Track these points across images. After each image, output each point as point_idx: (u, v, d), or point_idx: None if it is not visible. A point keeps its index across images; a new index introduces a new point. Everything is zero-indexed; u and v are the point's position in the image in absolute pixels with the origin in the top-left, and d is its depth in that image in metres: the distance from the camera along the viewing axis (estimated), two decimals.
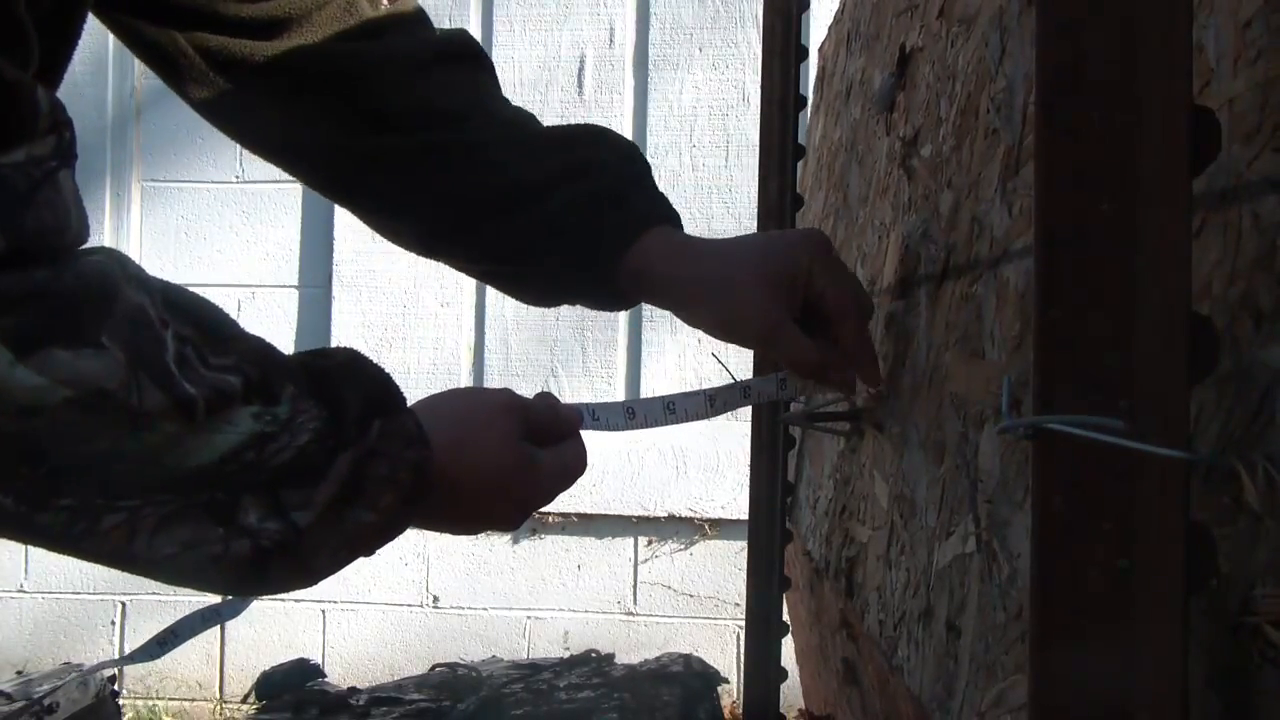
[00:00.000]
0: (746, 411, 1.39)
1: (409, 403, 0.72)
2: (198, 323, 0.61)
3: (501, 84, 0.97)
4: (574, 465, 0.80)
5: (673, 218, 0.91)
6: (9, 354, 0.52)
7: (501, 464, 0.75)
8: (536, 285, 0.94)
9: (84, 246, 0.59)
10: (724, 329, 0.89)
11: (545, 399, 0.81)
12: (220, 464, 0.60)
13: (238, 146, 0.98)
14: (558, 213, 0.88)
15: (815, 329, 0.87)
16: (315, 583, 0.67)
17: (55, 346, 0.53)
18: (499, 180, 0.89)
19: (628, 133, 3.35)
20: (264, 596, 0.71)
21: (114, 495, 0.58)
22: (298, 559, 0.64)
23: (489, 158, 0.89)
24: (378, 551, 0.70)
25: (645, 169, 0.92)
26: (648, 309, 3.32)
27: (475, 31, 3.40)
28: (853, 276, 0.92)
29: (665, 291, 0.90)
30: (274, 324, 3.35)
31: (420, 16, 0.94)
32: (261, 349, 0.64)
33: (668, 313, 0.92)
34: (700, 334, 0.92)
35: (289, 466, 0.62)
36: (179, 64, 0.87)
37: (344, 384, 0.67)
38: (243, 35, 0.87)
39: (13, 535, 0.59)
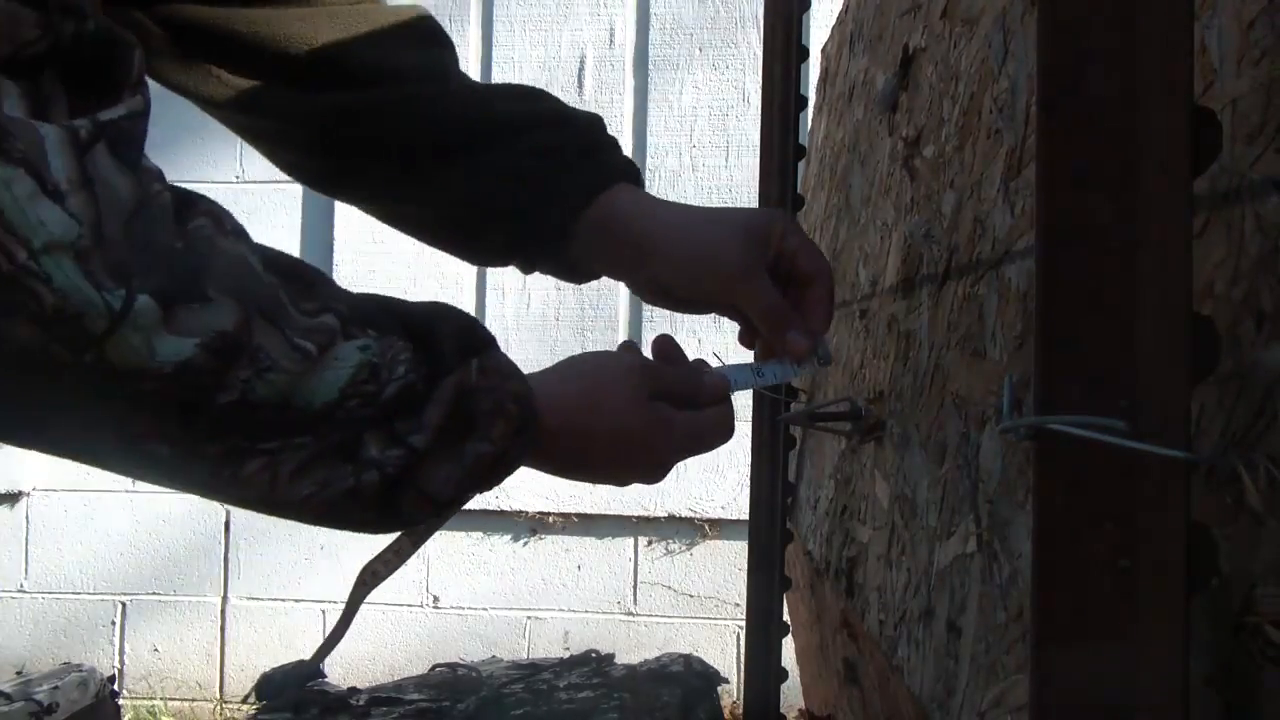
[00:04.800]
0: (748, 411, 1.40)
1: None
2: (284, 271, 0.65)
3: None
4: (711, 431, 0.82)
5: (640, 182, 0.90)
6: (159, 314, 0.56)
7: (629, 419, 0.78)
8: (492, 236, 0.92)
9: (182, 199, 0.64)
10: (691, 274, 0.86)
11: (694, 363, 0.84)
12: (341, 399, 0.64)
13: (238, 146, 0.99)
14: (524, 154, 0.87)
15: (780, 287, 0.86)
16: (447, 515, 0.71)
17: (178, 304, 0.57)
18: (465, 124, 0.88)
19: (628, 133, 3.35)
20: (409, 544, 0.76)
21: (255, 440, 0.62)
22: (421, 485, 0.68)
23: (454, 105, 0.89)
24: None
25: (614, 140, 0.92)
26: (648, 309, 3.32)
27: (475, 31, 3.40)
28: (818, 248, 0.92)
29: (629, 239, 0.87)
30: None
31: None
32: (344, 293, 0.68)
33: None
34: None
35: (396, 399, 0.66)
36: (145, 44, 0.87)
37: (433, 322, 0.71)
38: (200, 2, 0.88)
39: (169, 481, 0.64)
